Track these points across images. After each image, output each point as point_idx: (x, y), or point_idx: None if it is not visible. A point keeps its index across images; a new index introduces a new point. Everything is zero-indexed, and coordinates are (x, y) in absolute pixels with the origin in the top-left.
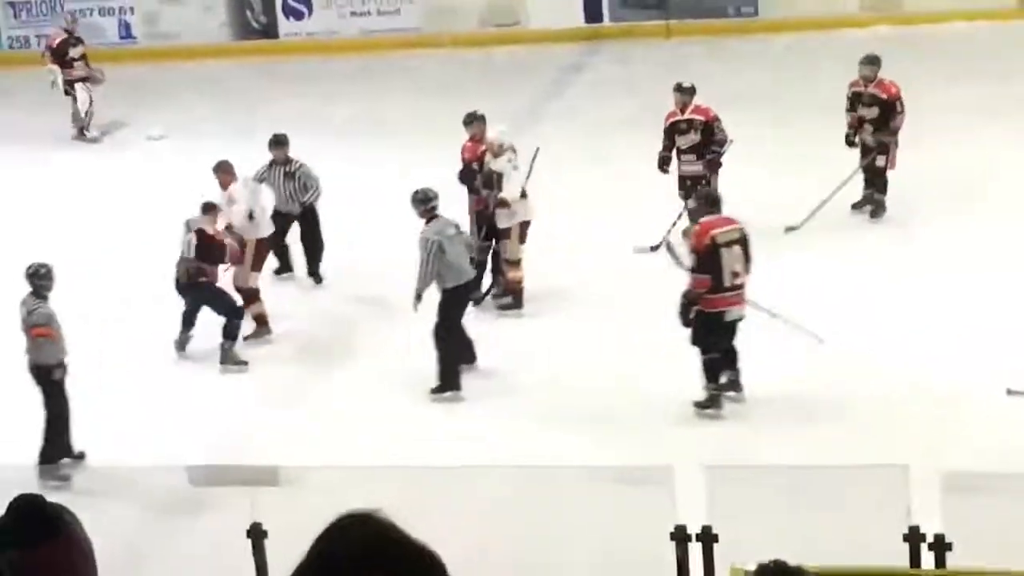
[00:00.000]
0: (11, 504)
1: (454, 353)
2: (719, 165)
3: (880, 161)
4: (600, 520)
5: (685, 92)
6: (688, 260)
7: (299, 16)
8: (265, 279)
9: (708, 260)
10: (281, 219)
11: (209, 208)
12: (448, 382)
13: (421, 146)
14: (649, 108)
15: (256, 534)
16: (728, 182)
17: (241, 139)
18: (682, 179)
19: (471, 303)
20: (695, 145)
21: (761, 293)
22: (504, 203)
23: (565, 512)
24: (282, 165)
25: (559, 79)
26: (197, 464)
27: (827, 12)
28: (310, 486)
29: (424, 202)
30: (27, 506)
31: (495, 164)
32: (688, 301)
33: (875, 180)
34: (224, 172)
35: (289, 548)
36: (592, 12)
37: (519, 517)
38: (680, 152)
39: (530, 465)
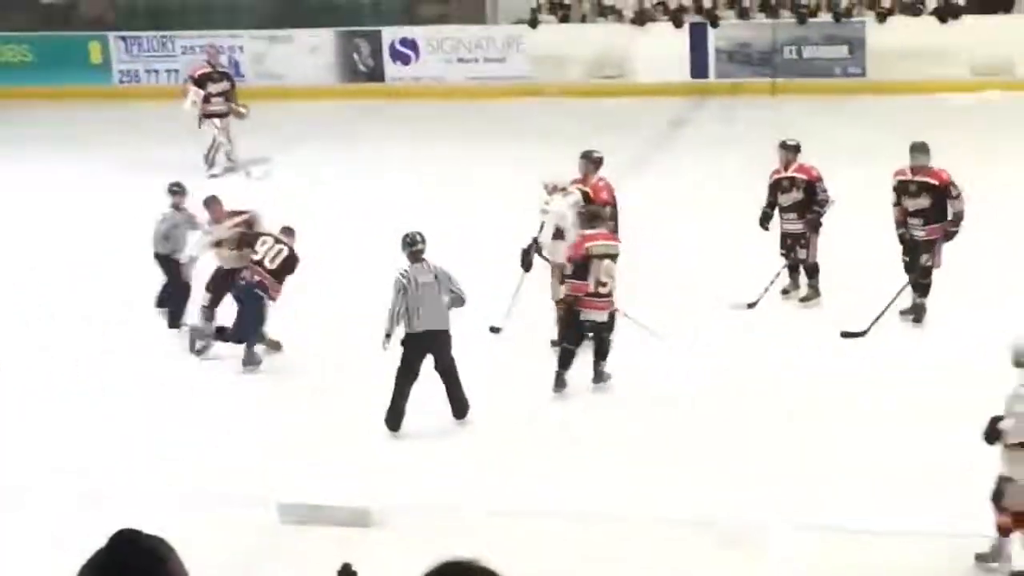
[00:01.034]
0: (111, 539)
1: (398, 394)
2: (819, 225)
3: (925, 259)
4: None
5: (789, 150)
6: None
7: (406, 61)
8: None
9: (581, 268)
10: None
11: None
12: (387, 418)
13: (519, 190)
14: (752, 165)
15: (347, 574)
16: (826, 243)
17: (338, 178)
18: (783, 237)
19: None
20: (797, 203)
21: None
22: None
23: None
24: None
25: (663, 132)
26: (288, 502)
27: (936, 75)
28: (399, 528)
29: (410, 245)
30: (127, 543)
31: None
32: (567, 304)
33: (919, 283)
34: (216, 205)
35: None
36: (699, 67)
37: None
38: (782, 210)
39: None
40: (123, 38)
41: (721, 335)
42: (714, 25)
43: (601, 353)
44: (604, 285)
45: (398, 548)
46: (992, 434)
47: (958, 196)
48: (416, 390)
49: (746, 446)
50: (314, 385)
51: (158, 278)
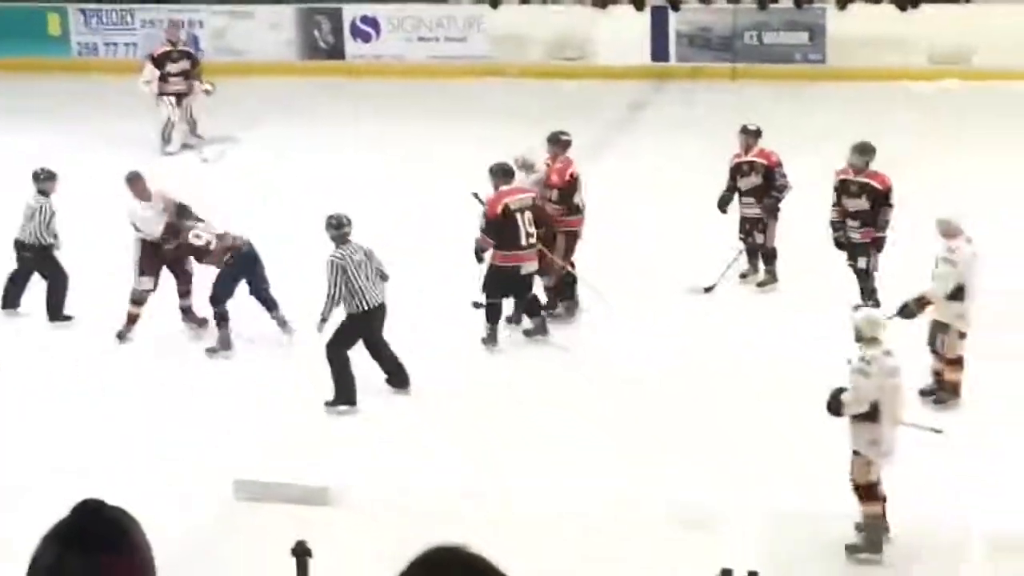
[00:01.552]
0: (75, 508)
1: (344, 368)
2: (777, 211)
3: (862, 263)
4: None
5: (750, 134)
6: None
7: (367, 38)
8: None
9: (500, 224)
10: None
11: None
12: (340, 395)
13: (480, 169)
14: (712, 149)
15: (301, 552)
16: (784, 228)
17: (299, 154)
18: (742, 221)
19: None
20: (755, 188)
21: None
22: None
23: (612, 545)
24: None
25: (623, 116)
26: (245, 478)
27: (895, 63)
28: (356, 507)
29: (337, 227)
30: (91, 512)
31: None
32: (477, 252)
33: (863, 287)
34: (140, 181)
35: (335, 570)
36: (659, 51)
37: (564, 546)
38: (741, 194)
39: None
40: (82, 10)
41: (680, 318)
42: (675, 8)
43: (535, 306)
44: (531, 236)
45: (355, 527)
46: (832, 405)
47: (891, 205)
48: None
49: (707, 426)
50: (282, 363)
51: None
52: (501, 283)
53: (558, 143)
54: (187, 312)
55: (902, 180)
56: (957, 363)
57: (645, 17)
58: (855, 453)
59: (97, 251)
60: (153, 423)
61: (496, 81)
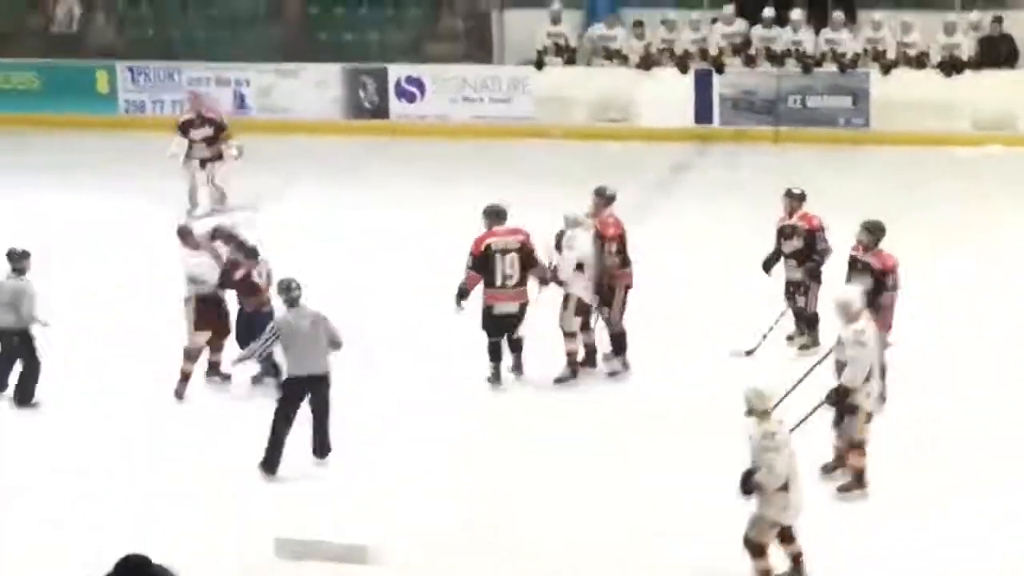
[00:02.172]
0: (118, 564)
1: (277, 437)
2: (819, 275)
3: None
4: None
5: (794, 198)
6: None
7: (411, 99)
8: None
9: (481, 263)
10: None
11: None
12: (264, 459)
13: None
14: (755, 212)
15: None
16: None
17: (341, 212)
18: (787, 284)
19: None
20: (797, 251)
21: None
22: (552, 280)
23: None
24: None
25: (666, 177)
26: (285, 536)
27: (938, 128)
28: (395, 565)
29: (287, 291)
30: (134, 568)
31: (564, 235)
32: (459, 291)
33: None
34: (189, 235)
35: None
36: (703, 113)
37: None
38: (785, 257)
39: None
40: (130, 68)
41: (717, 375)
42: (719, 72)
43: (515, 345)
44: (510, 278)
45: None
46: (747, 487)
47: (889, 288)
48: (412, 424)
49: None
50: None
51: None
52: (490, 322)
53: (602, 197)
54: (214, 367)
55: (946, 245)
56: (861, 447)
57: (689, 80)
58: (762, 517)
59: (138, 304)
60: (188, 477)
61: (540, 142)
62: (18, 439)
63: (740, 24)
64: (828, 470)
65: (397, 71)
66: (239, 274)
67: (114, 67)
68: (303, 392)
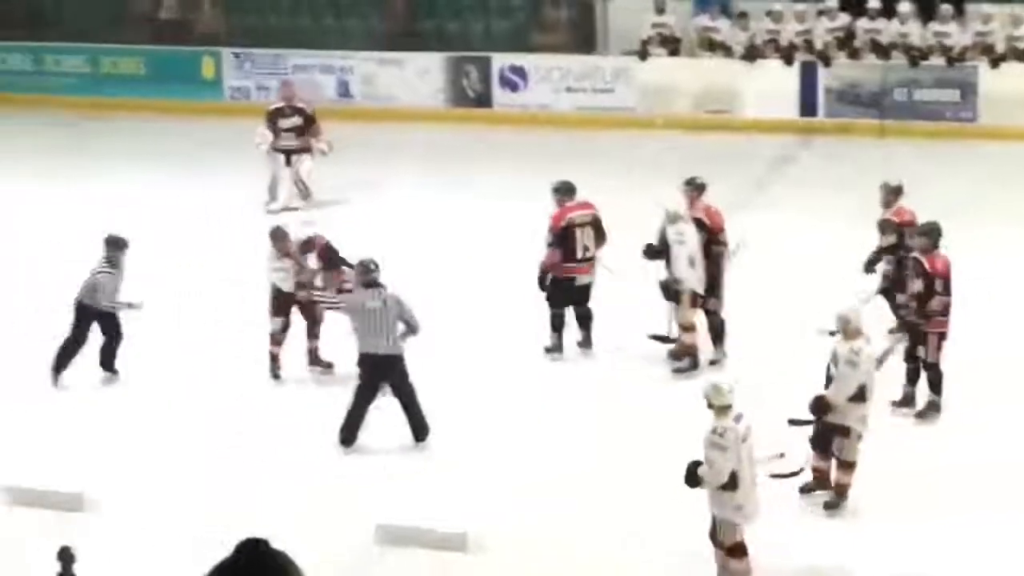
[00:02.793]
0: (237, 547)
1: (353, 411)
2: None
3: (920, 351)
4: None
5: (889, 191)
6: None
7: (515, 88)
8: None
9: (562, 237)
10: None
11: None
12: (341, 430)
13: (627, 219)
14: (858, 205)
15: (66, 557)
16: None
17: (444, 201)
18: (882, 277)
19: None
20: (891, 246)
21: None
22: (675, 281)
23: None
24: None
25: (768, 170)
26: (386, 523)
27: None
28: (491, 552)
29: (364, 271)
30: (252, 550)
31: (669, 231)
32: (542, 271)
33: (917, 375)
34: (281, 239)
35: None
36: (807, 106)
37: None
38: (882, 251)
39: None
40: (236, 54)
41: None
42: (826, 64)
43: (586, 319)
44: (588, 250)
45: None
46: (689, 479)
47: (939, 293)
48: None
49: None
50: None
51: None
52: (563, 294)
53: (695, 187)
54: (313, 354)
55: None
56: (852, 467)
57: (794, 72)
58: (720, 518)
59: (237, 291)
60: (292, 465)
61: (642, 133)
62: (119, 421)
63: (844, 17)
64: (807, 490)
65: (501, 60)
66: (340, 284)
67: (220, 53)
68: (373, 369)
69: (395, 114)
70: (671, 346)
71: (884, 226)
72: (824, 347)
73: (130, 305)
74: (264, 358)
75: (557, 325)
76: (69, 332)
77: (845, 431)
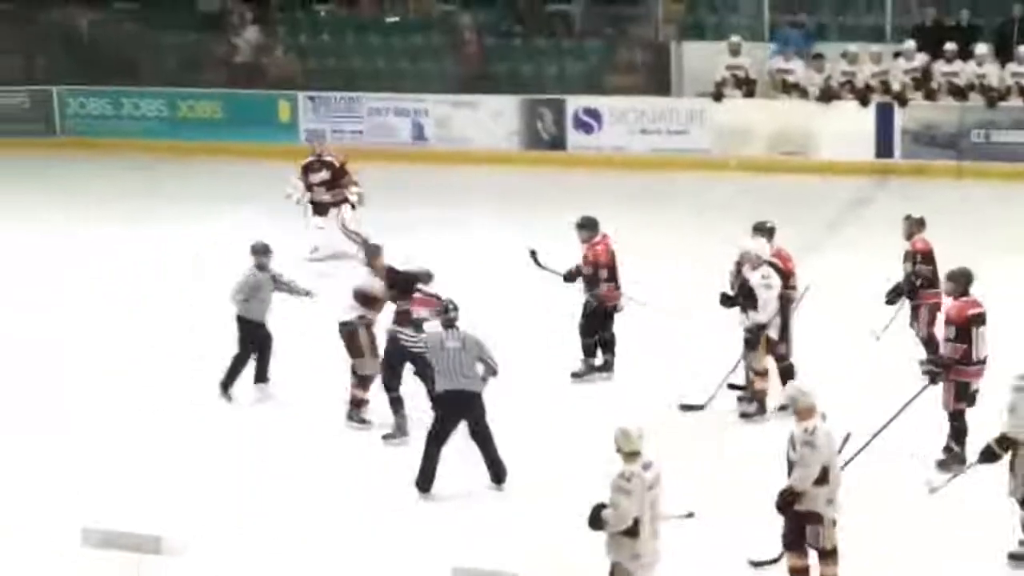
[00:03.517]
0: None
1: (428, 453)
2: (912, 293)
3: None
4: None
5: (913, 223)
6: None
7: (589, 130)
8: None
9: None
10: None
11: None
12: (418, 478)
13: (695, 262)
14: (937, 248)
15: None
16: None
17: (517, 243)
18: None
19: None
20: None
21: None
22: (760, 329)
23: None
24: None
25: (844, 212)
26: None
27: None
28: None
29: (444, 311)
30: None
31: (751, 277)
32: (603, 304)
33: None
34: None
35: None
36: (883, 147)
37: None
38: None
39: None
40: (311, 97)
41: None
42: (902, 105)
43: (611, 344)
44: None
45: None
46: (593, 521)
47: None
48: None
49: None
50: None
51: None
52: (600, 321)
53: (765, 231)
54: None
55: None
56: (833, 554)
57: (870, 113)
58: (616, 564)
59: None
60: (366, 508)
61: (717, 175)
62: (199, 461)
63: (921, 58)
64: None
65: (575, 102)
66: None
67: (296, 96)
68: (448, 410)
69: (469, 156)
70: (741, 392)
71: (907, 256)
72: (894, 390)
73: (307, 293)
74: (338, 401)
75: (590, 352)
76: (237, 348)
77: (818, 518)
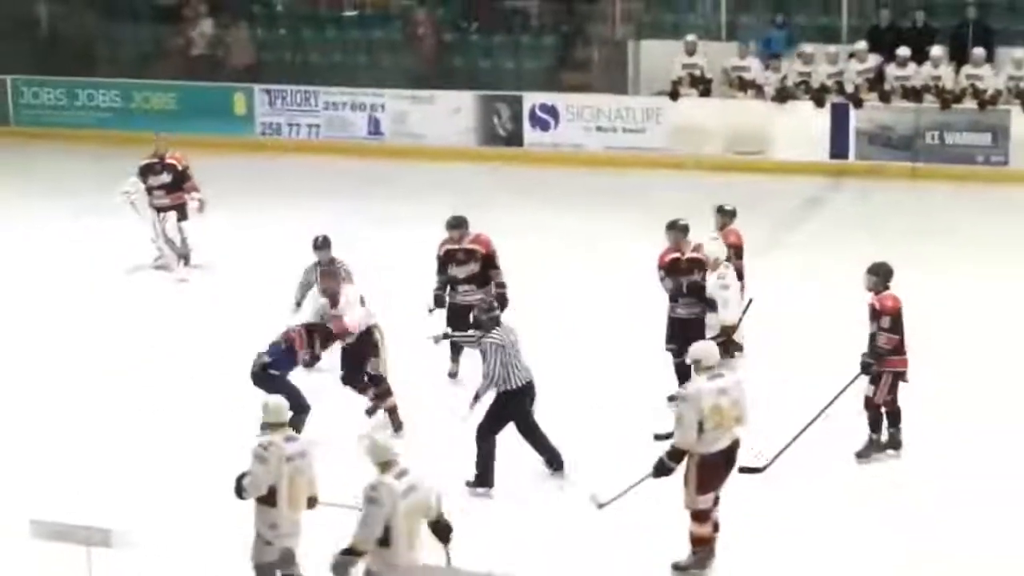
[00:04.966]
0: None
1: (490, 451)
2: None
3: (868, 390)
4: None
5: (725, 215)
6: None
7: (545, 127)
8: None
9: (898, 323)
10: None
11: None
12: (481, 477)
13: (645, 262)
14: (888, 248)
15: None
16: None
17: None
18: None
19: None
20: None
21: None
22: (729, 331)
23: None
24: (325, 266)
25: (798, 212)
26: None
27: None
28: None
29: (489, 311)
30: None
31: (709, 279)
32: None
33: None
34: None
35: None
36: (838, 148)
37: None
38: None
39: None
40: (267, 91)
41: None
42: (857, 106)
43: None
44: None
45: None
46: (236, 489)
47: (885, 330)
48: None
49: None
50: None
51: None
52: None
53: (725, 214)
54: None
55: None
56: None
57: (825, 114)
58: (257, 533)
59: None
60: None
61: (673, 173)
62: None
63: (874, 59)
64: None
65: (531, 99)
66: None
67: (252, 89)
68: (519, 403)
69: (425, 152)
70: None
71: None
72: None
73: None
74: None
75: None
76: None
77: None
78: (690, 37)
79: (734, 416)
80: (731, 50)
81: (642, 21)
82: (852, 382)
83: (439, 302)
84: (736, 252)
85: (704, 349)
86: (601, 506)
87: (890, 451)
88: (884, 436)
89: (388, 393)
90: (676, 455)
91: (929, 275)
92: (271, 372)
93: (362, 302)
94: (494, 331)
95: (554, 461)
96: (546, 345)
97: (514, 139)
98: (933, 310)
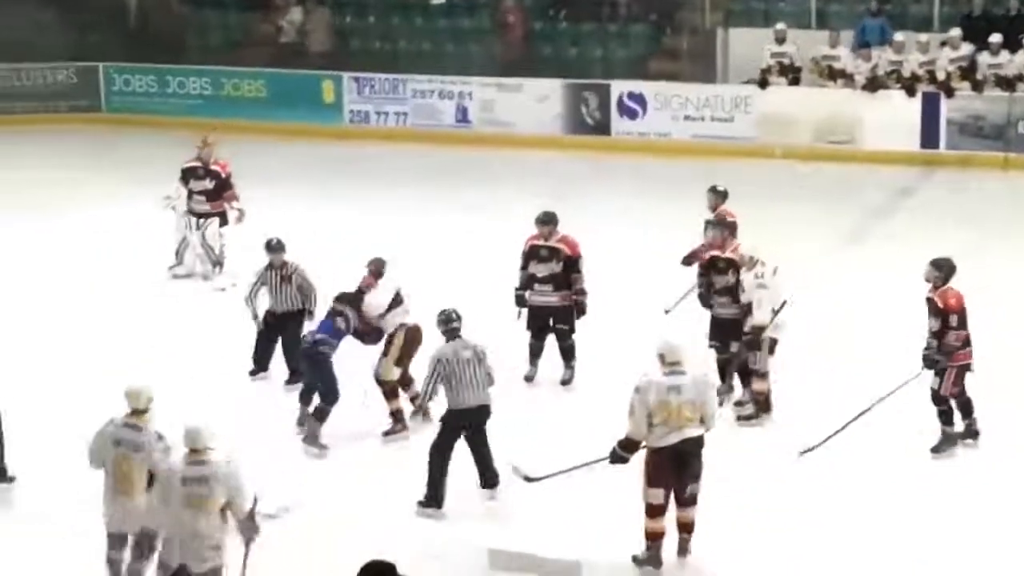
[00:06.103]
0: (362, 569)
1: (438, 472)
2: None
3: (934, 383)
4: None
5: (717, 195)
6: None
7: (633, 115)
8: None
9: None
10: (276, 320)
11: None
12: (430, 498)
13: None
14: (978, 238)
15: None
16: None
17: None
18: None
19: None
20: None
21: None
22: (758, 331)
23: None
24: (278, 269)
25: (887, 202)
26: (499, 548)
27: None
28: None
29: (445, 323)
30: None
31: (745, 278)
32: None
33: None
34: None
35: None
36: (929, 137)
37: None
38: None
39: None
40: (356, 78)
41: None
42: (949, 95)
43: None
44: None
45: None
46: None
47: (957, 327)
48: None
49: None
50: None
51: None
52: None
53: (718, 193)
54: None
55: None
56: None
57: (916, 103)
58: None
59: None
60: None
61: (761, 162)
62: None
63: (967, 48)
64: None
65: (619, 87)
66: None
67: (340, 77)
68: (463, 425)
69: (512, 140)
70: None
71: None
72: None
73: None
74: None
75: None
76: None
77: None
78: (780, 25)
79: (686, 416)
80: (821, 38)
81: (731, 9)
82: (915, 377)
83: (520, 302)
84: (731, 231)
85: (668, 344)
86: (529, 480)
87: (968, 441)
88: (959, 427)
89: (394, 395)
90: (628, 445)
91: (1021, 266)
92: (321, 351)
93: (400, 300)
94: (447, 344)
95: (486, 479)
96: (630, 331)
97: (602, 128)
98: None
